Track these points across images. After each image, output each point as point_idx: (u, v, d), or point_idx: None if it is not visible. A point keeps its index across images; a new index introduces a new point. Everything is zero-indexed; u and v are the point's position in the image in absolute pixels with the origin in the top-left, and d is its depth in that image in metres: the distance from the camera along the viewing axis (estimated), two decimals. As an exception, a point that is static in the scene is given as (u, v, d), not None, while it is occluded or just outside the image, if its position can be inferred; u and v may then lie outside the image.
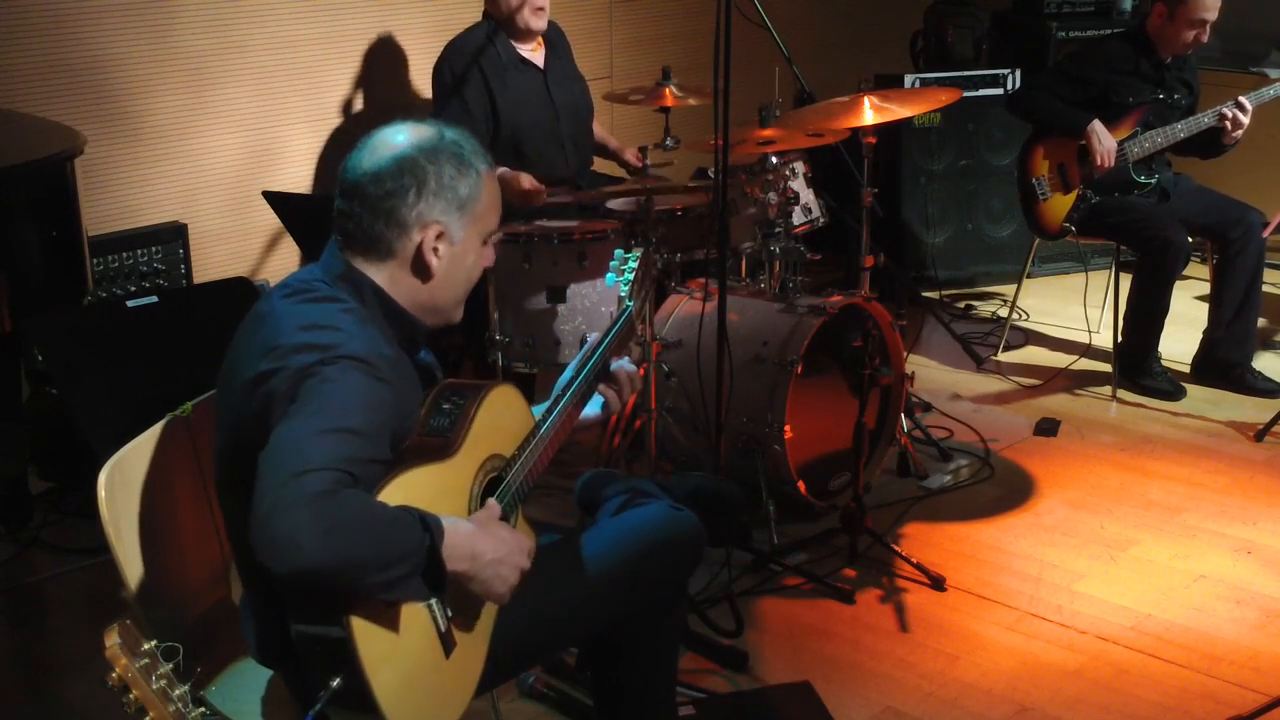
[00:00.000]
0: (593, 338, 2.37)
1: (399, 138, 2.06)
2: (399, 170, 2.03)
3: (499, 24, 4.30)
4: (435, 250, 2.06)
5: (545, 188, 4.01)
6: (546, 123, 4.32)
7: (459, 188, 2.06)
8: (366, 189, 2.03)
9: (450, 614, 1.95)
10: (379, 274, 2.07)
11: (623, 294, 2.44)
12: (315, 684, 1.83)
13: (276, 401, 1.86)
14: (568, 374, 2.32)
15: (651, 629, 2.38)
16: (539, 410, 2.26)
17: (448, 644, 1.95)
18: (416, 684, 1.89)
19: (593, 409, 2.38)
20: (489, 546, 1.91)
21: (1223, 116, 4.56)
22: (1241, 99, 4.55)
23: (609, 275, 2.48)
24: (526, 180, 4.02)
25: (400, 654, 1.86)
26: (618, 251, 2.52)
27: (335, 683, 1.80)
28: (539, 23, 4.25)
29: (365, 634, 1.80)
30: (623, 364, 2.37)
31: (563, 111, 4.36)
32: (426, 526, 1.80)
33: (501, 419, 2.12)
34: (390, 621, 1.84)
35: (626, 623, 2.32)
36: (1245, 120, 4.55)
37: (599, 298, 3.75)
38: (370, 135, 2.09)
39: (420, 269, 2.07)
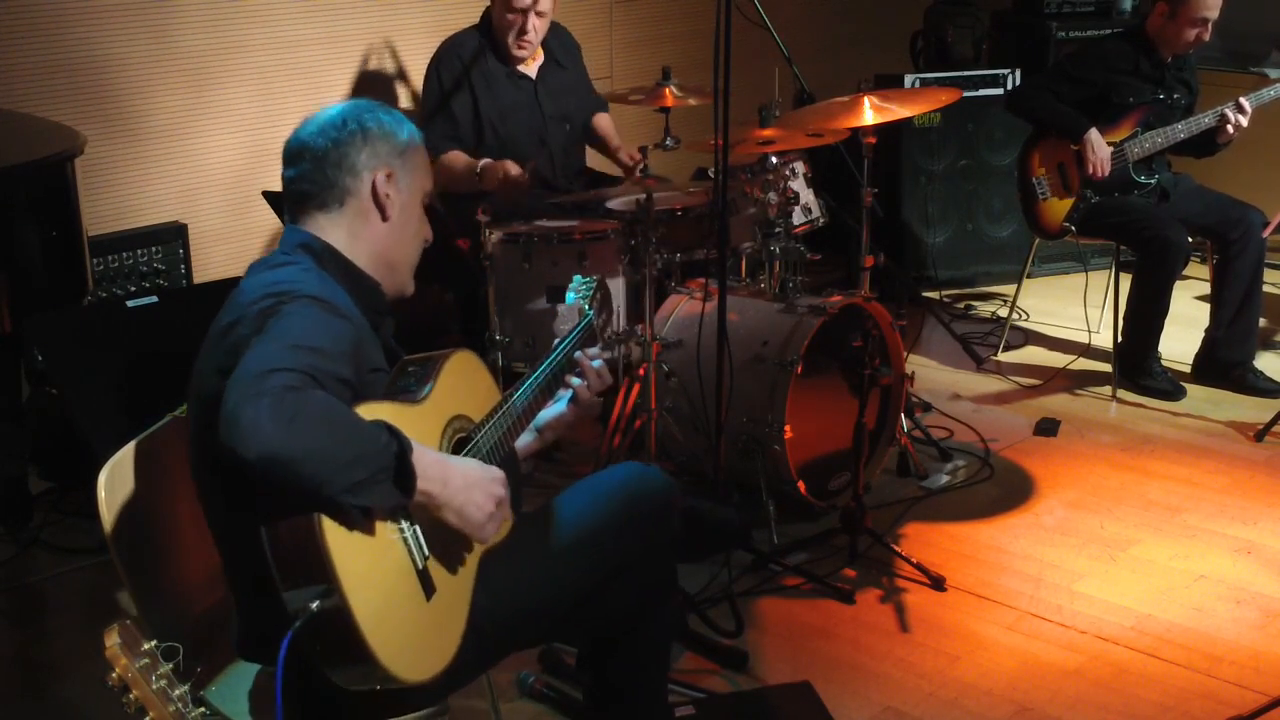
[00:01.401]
0: (555, 341, 2.46)
1: (331, 108, 2.20)
2: (342, 122, 2.16)
3: (492, 35, 4.34)
4: (387, 194, 2.16)
5: (525, 173, 4.06)
6: (534, 131, 4.36)
7: (399, 134, 2.19)
8: (314, 144, 2.14)
9: (427, 553, 1.96)
10: (338, 229, 2.15)
11: (583, 305, 2.54)
12: (309, 657, 1.83)
13: (242, 343, 1.90)
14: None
15: (644, 626, 2.38)
16: None
17: (427, 585, 1.95)
18: (397, 618, 1.89)
19: (559, 406, 2.43)
20: (457, 472, 1.94)
21: (1224, 118, 4.56)
22: (1242, 100, 4.55)
23: (569, 294, 2.58)
24: (511, 166, 4.06)
25: (378, 584, 1.85)
26: (576, 277, 2.61)
27: (315, 604, 1.79)
28: (521, 53, 4.33)
29: (341, 552, 1.79)
30: (593, 362, 2.44)
31: (551, 121, 4.40)
32: (394, 434, 1.83)
33: (466, 382, 2.17)
34: (365, 546, 1.84)
35: (612, 583, 2.31)
36: (1244, 122, 4.56)
37: (599, 298, 3.74)
38: (305, 119, 2.21)
39: (380, 208, 2.16)
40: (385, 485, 1.81)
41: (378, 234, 2.17)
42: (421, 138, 2.25)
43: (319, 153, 2.13)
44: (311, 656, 1.85)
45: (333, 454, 1.75)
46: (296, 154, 2.15)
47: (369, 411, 1.87)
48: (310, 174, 2.14)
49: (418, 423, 1.99)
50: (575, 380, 2.41)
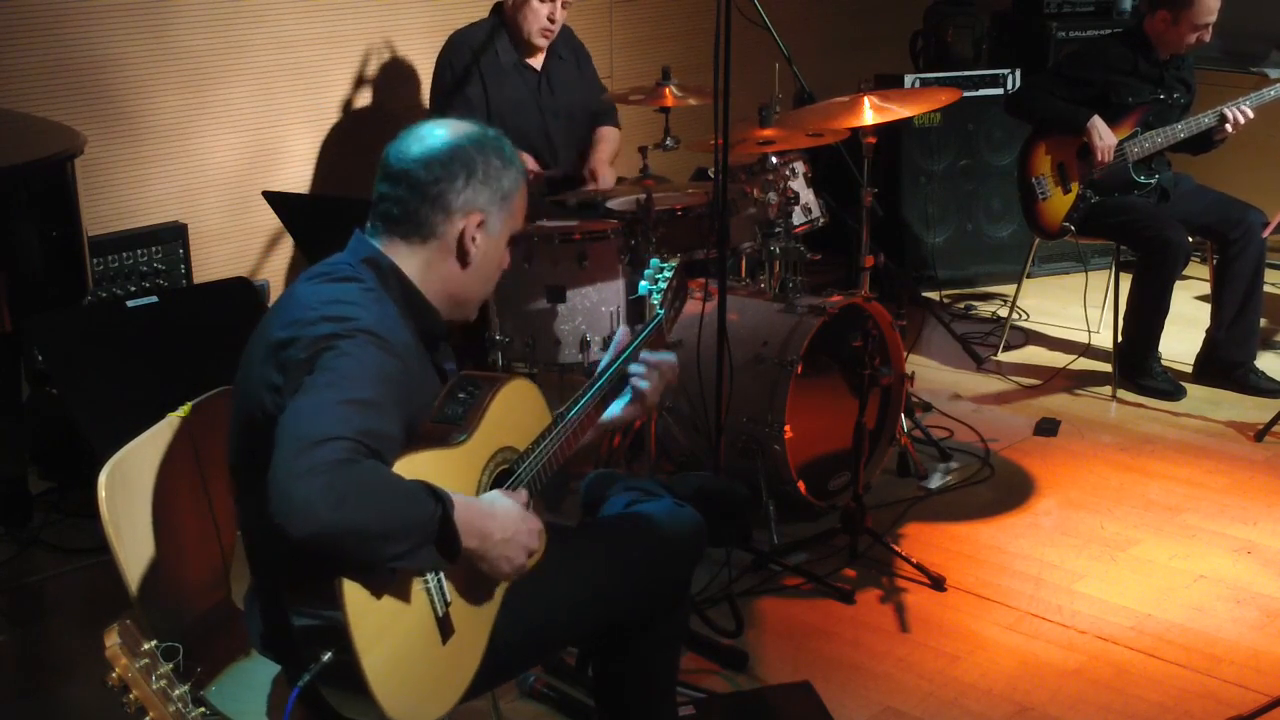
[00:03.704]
0: (620, 337, 2.38)
1: (446, 129, 2.12)
2: (450, 157, 2.08)
3: (505, 25, 4.34)
4: (474, 239, 2.11)
5: (541, 170, 4.10)
6: (537, 127, 4.35)
7: (503, 180, 2.12)
8: (416, 173, 2.08)
9: (449, 600, 1.96)
10: (413, 258, 2.10)
11: (654, 302, 2.46)
12: (309, 663, 1.84)
13: (293, 370, 1.89)
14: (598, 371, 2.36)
15: (654, 629, 2.38)
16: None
17: (445, 630, 1.96)
18: (409, 665, 1.90)
19: (620, 402, 2.38)
20: (497, 526, 1.94)
21: (1224, 118, 4.55)
22: (1244, 106, 4.55)
23: (642, 284, 2.49)
24: (530, 159, 4.09)
25: (394, 634, 1.86)
26: (654, 261, 2.53)
27: (326, 656, 1.80)
28: (541, 41, 4.35)
29: (359, 612, 1.80)
30: (662, 356, 2.38)
31: (553, 118, 4.40)
32: (438, 498, 1.83)
33: (516, 412, 2.14)
34: (386, 602, 1.85)
35: (628, 618, 2.32)
36: (1243, 122, 4.56)
37: (599, 298, 3.75)
38: (414, 127, 2.14)
39: (461, 255, 2.11)
40: (428, 550, 1.83)
41: (453, 274, 2.12)
42: (524, 177, 2.18)
43: (417, 184, 2.07)
44: (317, 685, 1.86)
45: (379, 530, 1.76)
46: (396, 176, 2.08)
47: (411, 465, 1.86)
48: (403, 200, 2.08)
49: (457, 465, 1.98)
50: (641, 384, 2.34)
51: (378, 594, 1.83)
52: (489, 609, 2.07)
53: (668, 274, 2.50)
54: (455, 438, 1.99)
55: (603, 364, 2.36)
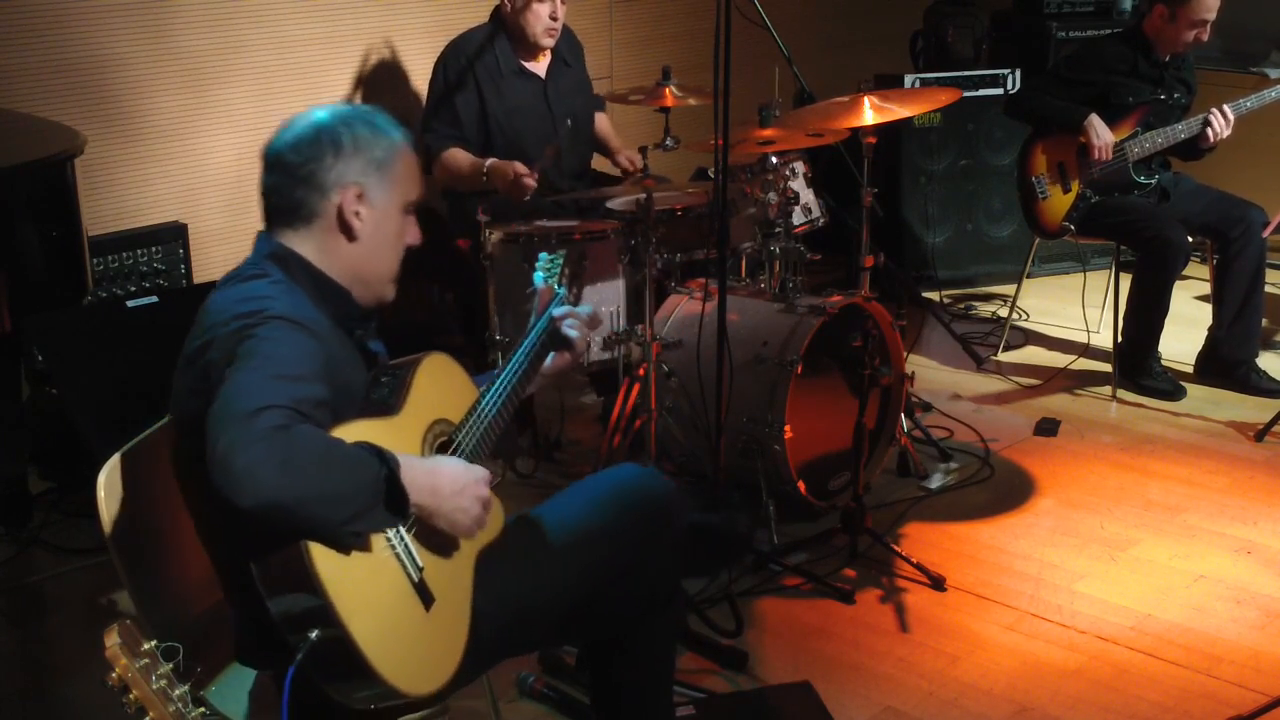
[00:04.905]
0: (541, 288, 2.50)
1: (315, 113, 2.14)
2: (316, 136, 2.10)
3: (506, 29, 4.32)
4: (356, 213, 2.11)
5: (534, 174, 4.03)
6: (542, 130, 4.34)
7: (374, 149, 2.12)
8: (286, 157, 2.10)
9: (421, 565, 1.96)
10: (307, 245, 2.12)
11: (551, 283, 2.54)
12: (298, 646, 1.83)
13: (215, 369, 1.90)
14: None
15: (649, 626, 2.38)
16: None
17: (425, 596, 1.96)
18: (398, 633, 1.89)
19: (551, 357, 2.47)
20: (445, 481, 1.94)
21: (1208, 123, 4.56)
22: (1225, 108, 4.55)
23: (537, 274, 2.56)
24: (520, 167, 4.05)
25: (374, 604, 1.86)
26: (542, 255, 2.60)
27: (314, 634, 1.79)
28: (548, 41, 4.32)
29: (334, 583, 1.79)
30: (581, 308, 2.48)
31: (559, 121, 4.37)
32: (383, 458, 1.83)
33: (441, 385, 2.16)
34: (358, 572, 1.84)
35: (612, 587, 2.30)
36: (1225, 124, 4.56)
37: (599, 298, 3.74)
38: (290, 118, 2.16)
39: (345, 230, 2.11)
40: (378, 511, 1.83)
41: (347, 252, 2.13)
42: (409, 142, 2.19)
43: (288, 167, 2.09)
44: (316, 680, 1.85)
45: (327, 493, 1.76)
46: (271, 165, 2.12)
47: (349, 433, 1.86)
48: (280, 188, 2.11)
49: (398, 434, 1.99)
50: (571, 333, 2.43)
51: (348, 565, 1.82)
52: (464, 572, 2.07)
53: (559, 262, 2.57)
54: (389, 413, 2.00)
55: (530, 324, 2.44)
